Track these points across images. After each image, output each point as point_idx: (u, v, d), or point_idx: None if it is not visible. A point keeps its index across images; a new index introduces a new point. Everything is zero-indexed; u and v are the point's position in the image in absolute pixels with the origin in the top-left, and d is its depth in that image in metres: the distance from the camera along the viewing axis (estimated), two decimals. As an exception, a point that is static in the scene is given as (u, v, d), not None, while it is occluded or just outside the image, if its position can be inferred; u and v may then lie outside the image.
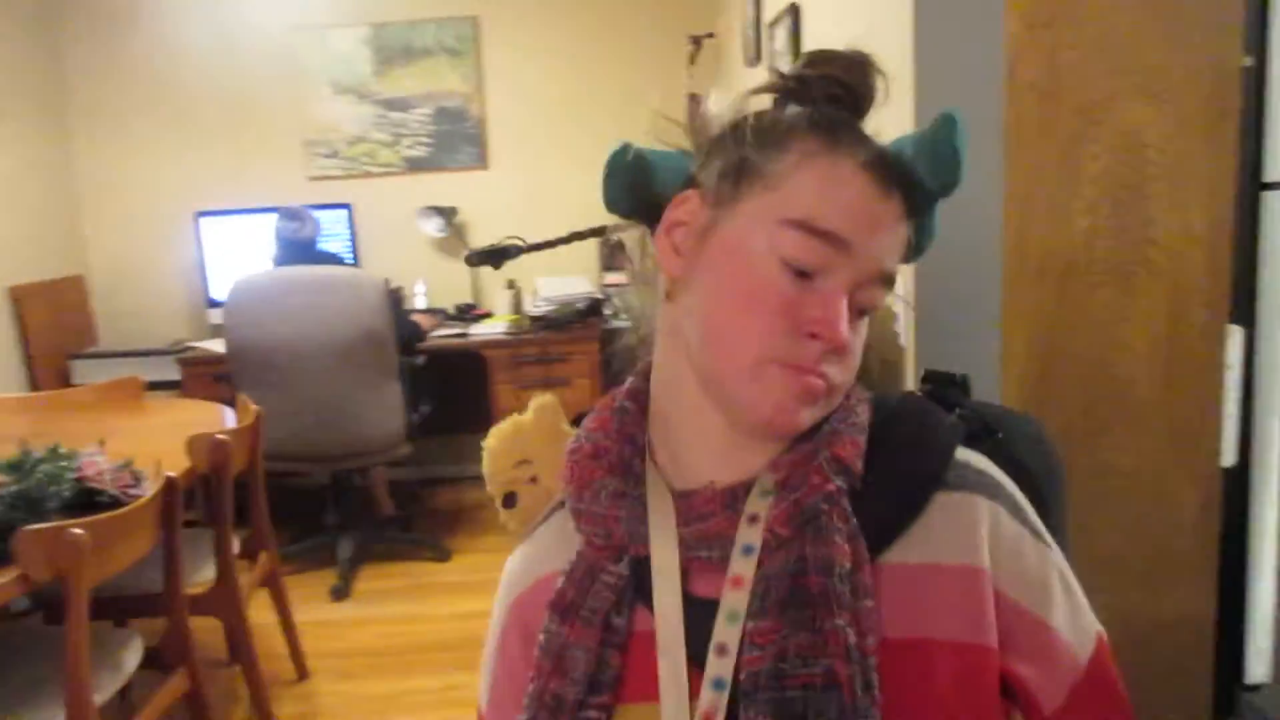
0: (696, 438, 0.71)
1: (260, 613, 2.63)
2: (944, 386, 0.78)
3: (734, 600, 0.66)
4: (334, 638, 2.99)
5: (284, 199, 3.82)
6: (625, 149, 0.73)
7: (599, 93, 4.25)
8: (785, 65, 0.74)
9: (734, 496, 0.68)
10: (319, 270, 3.26)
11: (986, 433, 0.74)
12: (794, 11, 2.44)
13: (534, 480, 0.81)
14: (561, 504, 0.79)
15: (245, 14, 4.15)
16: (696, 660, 0.66)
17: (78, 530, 1.62)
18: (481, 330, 3.86)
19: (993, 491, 0.69)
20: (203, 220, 3.94)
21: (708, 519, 0.68)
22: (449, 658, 2.82)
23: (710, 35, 3.98)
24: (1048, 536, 0.69)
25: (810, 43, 2.36)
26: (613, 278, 4.22)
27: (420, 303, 4.18)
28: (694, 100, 3.88)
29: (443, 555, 3.53)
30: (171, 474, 1.94)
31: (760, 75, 3.01)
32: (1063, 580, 0.69)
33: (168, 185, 4.21)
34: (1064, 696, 0.67)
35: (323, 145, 4.26)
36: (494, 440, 0.83)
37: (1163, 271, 1.62)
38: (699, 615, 0.67)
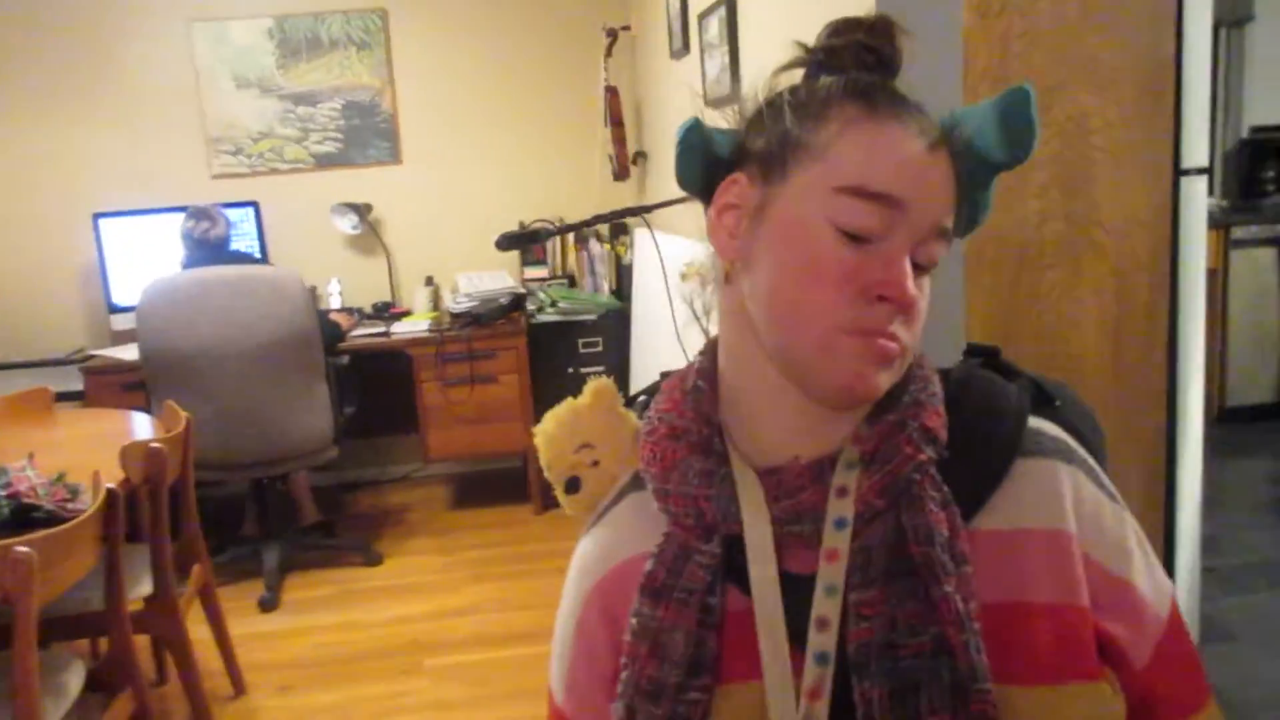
0: (774, 414, 0.71)
1: (190, 628, 2.51)
2: (992, 358, 0.80)
3: (831, 574, 0.66)
4: (267, 650, 2.88)
5: (187, 198, 3.64)
6: (697, 125, 0.72)
7: (513, 85, 4.21)
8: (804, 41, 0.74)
9: (821, 470, 0.68)
10: (237, 270, 3.13)
11: (1044, 401, 0.76)
12: (729, 2, 2.46)
13: (596, 464, 0.80)
14: (631, 486, 0.78)
15: (138, 3, 3.94)
16: (794, 636, 0.66)
17: (24, 549, 1.52)
18: (404, 328, 3.77)
19: (1068, 457, 0.70)
20: (102, 222, 3.73)
21: (798, 493, 0.68)
22: (392, 664, 2.75)
23: (626, 28, 3.98)
24: (1120, 499, 0.72)
25: (749, 33, 2.38)
26: (533, 272, 4.19)
27: (335, 302, 4.06)
28: (612, 92, 3.87)
29: (374, 560, 3.44)
30: (112, 486, 1.83)
31: (690, 66, 3.02)
32: (1139, 541, 0.71)
33: (60, 185, 3.96)
34: (1150, 653, 0.69)
35: (226, 142, 4.09)
36: (552, 425, 0.81)
37: (1108, 252, 1.71)
38: (793, 591, 0.67)
